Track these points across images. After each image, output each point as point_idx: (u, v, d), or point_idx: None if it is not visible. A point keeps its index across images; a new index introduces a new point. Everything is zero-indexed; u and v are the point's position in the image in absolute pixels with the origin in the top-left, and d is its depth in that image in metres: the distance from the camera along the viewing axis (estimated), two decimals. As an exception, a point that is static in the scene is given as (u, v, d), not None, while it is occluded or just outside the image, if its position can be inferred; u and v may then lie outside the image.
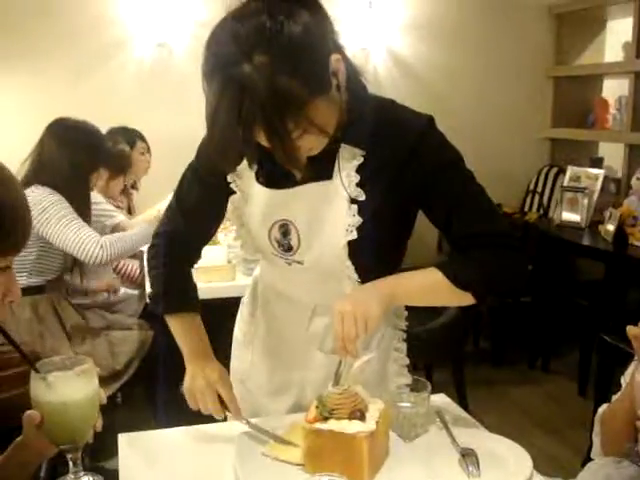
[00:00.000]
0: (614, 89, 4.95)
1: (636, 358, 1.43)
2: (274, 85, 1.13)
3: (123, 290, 3.48)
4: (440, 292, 1.42)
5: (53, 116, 3.06)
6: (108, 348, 2.98)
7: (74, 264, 3.08)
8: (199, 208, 1.57)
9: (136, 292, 3.46)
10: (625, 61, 4.65)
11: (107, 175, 3.60)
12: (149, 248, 1.65)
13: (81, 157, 2.99)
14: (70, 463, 1.25)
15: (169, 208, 1.62)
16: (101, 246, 2.92)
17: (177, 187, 1.60)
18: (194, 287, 1.63)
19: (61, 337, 2.92)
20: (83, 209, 3.00)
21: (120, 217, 3.53)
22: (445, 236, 1.46)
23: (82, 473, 1.26)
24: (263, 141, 1.21)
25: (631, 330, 1.39)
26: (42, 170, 2.91)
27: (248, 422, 1.49)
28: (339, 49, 1.28)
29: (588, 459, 1.66)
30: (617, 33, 4.97)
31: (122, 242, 3.03)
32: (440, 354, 3.40)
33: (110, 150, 3.57)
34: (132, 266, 3.67)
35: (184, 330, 1.59)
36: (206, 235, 1.64)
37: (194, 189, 1.56)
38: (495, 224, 1.41)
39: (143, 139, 3.96)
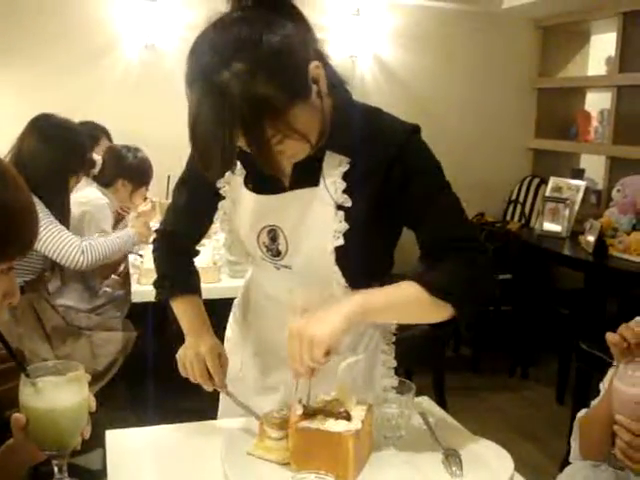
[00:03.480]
0: (597, 102, 5.03)
1: (614, 364, 1.46)
2: (252, 91, 1.16)
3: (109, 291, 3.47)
4: (416, 306, 1.40)
5: (36, 114, 3.00)
6: (90, 349, 2.96)
7: (54, 264, 3.03)
8: (190, 210, 1.63)
9: (122, 293, 3.45)
10: (608, 75, 4.73)
11: (131, 187, 3.58)
12: (153, 243, 1.75)
13: (61, 155, 2.91)
14: (55, 469, 1.22)
15: (167, 208, 1.72)
16: (82, 251, 2.89)
17: (173, 189, 1.66)
18: (196, 273, 1.70)
19: (41, 338, 2.88)
20: (60, 212, 2.93)
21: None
22: (418, 239, 1.45)
23: None
24: (244, 146, 1.24)
25: (610, 337, 1.43)
26: (20, 166, 2.75)
27: (231, 395, 1.57)
28: (320, 57, 1.31)
29: (566, 463, 1.69)
30: (601, 47, 5.06)
31: (104, 246, 3.00)
32: (421, 360, 3.43)
33: (131, 162, 3.55)
34: (123, 266, 3.66)
35: (185, 309, 1.65)
36: (199, 234, 1.69)
37: (184, 193, 1.63)
38: (465, 230, 1.44)
39: (108, 137, 3.91)
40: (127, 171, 3.54)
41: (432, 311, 1.40)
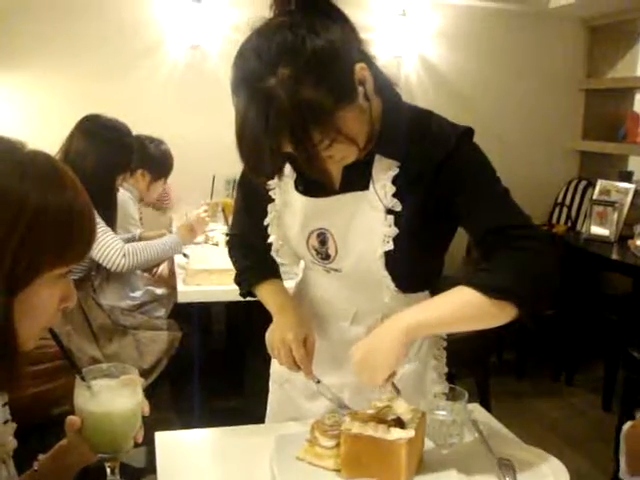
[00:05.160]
0: (646, 103, 4.93)
1: None
2: (298, 96, 1.16)
3: (153, 289, 3.50)
4: (474, 312, 1.33)
5: (84, 114, 3.05)
6: (136, 348, 2.98)
7: (99, 264, 3.04)
8: (249, 212, 1.65)
9: (166, 292, 3.48)
10: (658, 75, 4.63)
11: (149, 178, 3.63)
12: (227, 243, 1.80)
13: (109, 156, 2.94)
14: (107, 470, 1.23)
15: (233, 213, 1.76)
16: (124, 254, 2.91)
17: (236, 191, 1.71)
18: (273, 261, 1.68)
19: (88, 337, 2.91)
20: (108, 212, 2.96)
21: (139, 231, 3.57)
22: (471, 235, 1.42)
23: None
24: (292, 152, 1.23)
25: None
26: (69, 166, 2.82)
27: (318, 381, 1.56)
28: (366, 58, 1.31)
29: (616, 479, 1.64)
30: (651, 47, 4.95)
31: (146, 252, 3.03)
32: (464, 365, 3.39)
33: (153, 152, 3.60)
34: (162, 266, 3.69)
35: (268, 292, 1.65)
36: (264, 234, 1.63)
37: (241, 196, 1.67)
38: (521, 218, 1.39)
39: None
40: (148, 162, 3.58)
41: (492, 314, 1.33)
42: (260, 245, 1.63)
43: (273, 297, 1.64)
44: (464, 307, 1.34)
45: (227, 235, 1.80)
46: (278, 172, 1.37)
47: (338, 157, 1.29)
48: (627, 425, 1.60)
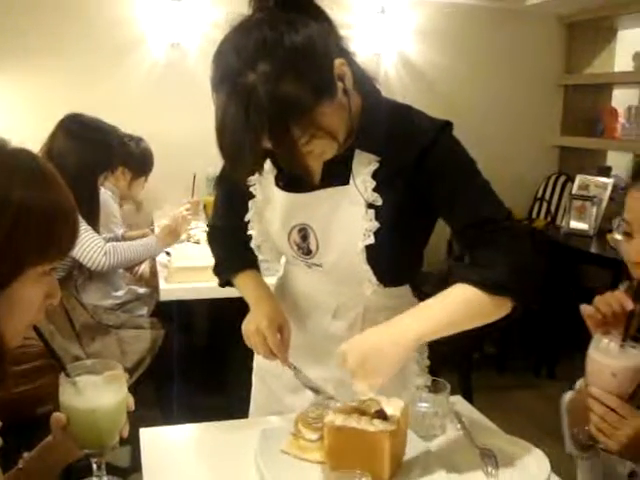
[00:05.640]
0: (623, 99, 4.98)
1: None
2: (277, 92, 1.17)
3: (135, 288, 3.49)
4: (475, 309, 1.34)
5: (64, 113, 3.04)
6: (119, 346, 2.98)
7: (81, 263, 3.05)
8: (229, 206, 1.67)
9: (148, 291, 3.47)
10: (635, 71, 4.69)
11: (130, 176, 3.63)
12: (207, 234, 1.80)
13: (91, 155, 2.94)
14: (94, 466, 1.24)
15: (213, 205, 1.77)
16: (105, 253, 2.91)
17: (214, 185, 1.74)
18: (252, 252, 1.67)
19: (71, 336, 2.90)
20: (91, 210, 2.96)
21: (121, 230, 3.56)
22: (451, 227, 1.42)
23: (105, 477, 1.26)
24: (271, 147, 1.23)
25: (584, 309, 1.41)
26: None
27: (295, 368, 1.57)
28: (345, 54, 1.32)
29: None
30: (628, 43, 5.01)
31: (127, 251, 3.03)
32: (447, 359, 3.41)
33: (133, 150, 3.60)
34: (143, 265, 3.69)
35: (245, 282, 1.67)
36: (244, 226, 1.65)
37: (222, 190, 1.69)
38: (501, 211, 1.40)
39: None
40: (128, 160, 3.59)
41: (491, 310, 1.36)
42: (240, 237, 1.64)
43: (250, 288, 1.65)
44: (465, 306, 1.35)
45: (208, 226, 1.82)
46: (258, 168, 1.37)
47: (318, 152, 1.30)
48: (568, 395, 1.60)
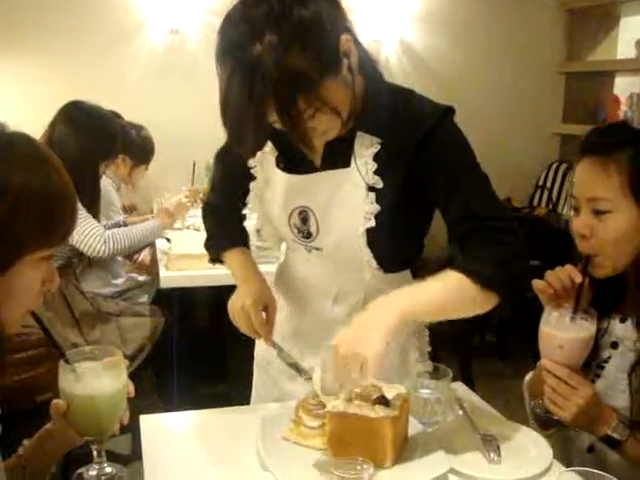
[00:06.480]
0: (626, 86, 4.94)
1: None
2: (285, 63, 1.16)
3: (135, 276, 3.49)
4: (464, 298, 1.32)
5: (65, 100, 3.03)
6: (119, 334, 2.98)
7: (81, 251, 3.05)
8: (227, 184, 1.68)
9: (148, 278, 3.47)
10: (638, 58, 4.64)
11: (131, 164, 3.62)
12: (202, 209, 1.80)
13: (92, 142, 2.92)
14: (94, 453, 1.24)
15: (210, 182, 1.77)
16: (104, 241, 2.91)
17: (213, 162, 1.71)
18: (244, 230, 1.71)
19: (70, 323, 2.90)
20: (92, 198, 2.95)
21: (122, 217, 3.55)
22: (444, 217, 1.41)
23: (106, 464, 1.25)
24: (276, 121, 1.23)
25: (536, 284, 1.43)
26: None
27: (278, 348, 1.57)
28: (352, 34, 1.30)
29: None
30: (630, 30, 4.96)
31: (127, 238, 3.03)
32: (447, 346, 3.41)
33: (134, 138, 3.59)
34: (143, 253, 3.68)
35: (234, 259, 1.66)
36: (239, 205, 1.69)
37: (221, 167, 1.67)
38: (495, 207, 1.40)
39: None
40: (129, 148, 3.57)
41: (479, 302, 1.34)
42: (234, 216, 1.67)
43: (238, 265, 1.65)
44: (455, 294, 1.33)
45: (203, 202, 1.82)
46: (261, 144, 1.36)
47: (321, 130, 1.29)
48: (528, 376, 1.63)
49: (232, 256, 1.66)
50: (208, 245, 1.73)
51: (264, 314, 1.57)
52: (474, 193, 1.38)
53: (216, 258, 1.70)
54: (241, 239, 1.69)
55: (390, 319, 1.25)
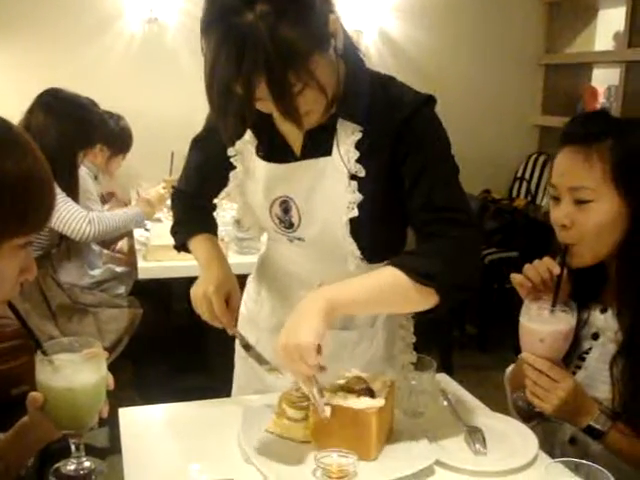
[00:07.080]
0: (604, 78, 4.96)
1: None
2: (277, 34, 1.14)
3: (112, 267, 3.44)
4: (396, 294, 1.32)
5: (42, 88, 2.99)
6: (96, 326, 2.95)
7: (61, 240, 3.02)
8: (202, 171, 1.63)
9: (126, 269, 3.42)
10: (616, 50, 4.66)
11: (108, 153, 3.58)
12: (171, 195, 1.75)
13: (70, 130, 2.89)
14: (72, 447, 1.22)
15: (183, 168, 1.69)
16: (89, 221, 2.88)
17: (189, 147, 1.66)
18: (212, 219, 1.68)
19: (47, 316, 2.88)
20: (70, 187, 2.92)
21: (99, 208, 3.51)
22: (407, 206, 1.39)
23: (84, 458, 1.22)
24: (261, 98, 1.20)
25: (515, 277, 1.42)
26: None
27: (241, 336, 1.55)
28: (337, 16, 1.29)
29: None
30: (608, 22, 4.97)
31: (111, 220, 3.01)
32: (427, 338, 3.40)
33: (112, 128, 3.55)
34: (121, 242, 3.64)
35: (199, 246, 1.62)
36: (212, 193, 1.67)
37: (197, 153, 1.63)
38: (457, 200, 1.38)
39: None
40: (107, 137, 3.52)
41: (415, 299, 1.32)
42: (203, 204, 1.65)
43: (203, 251, 1.61)
44: (389, 288, 1.32)
45: (173, 188, 1.75)
46: (250, 122, 1.33)
47: (306, 108, 1.26)
48: (509, 369, 1.64)
49: (197, 242, 1.62)
50: (175, 231, 1.68)
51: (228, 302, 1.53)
52: (440, 183, 1.37)
53: (181, 245, 1.65)
54: (210, 227, 1.65)
55: (315, 308, 1.24)
